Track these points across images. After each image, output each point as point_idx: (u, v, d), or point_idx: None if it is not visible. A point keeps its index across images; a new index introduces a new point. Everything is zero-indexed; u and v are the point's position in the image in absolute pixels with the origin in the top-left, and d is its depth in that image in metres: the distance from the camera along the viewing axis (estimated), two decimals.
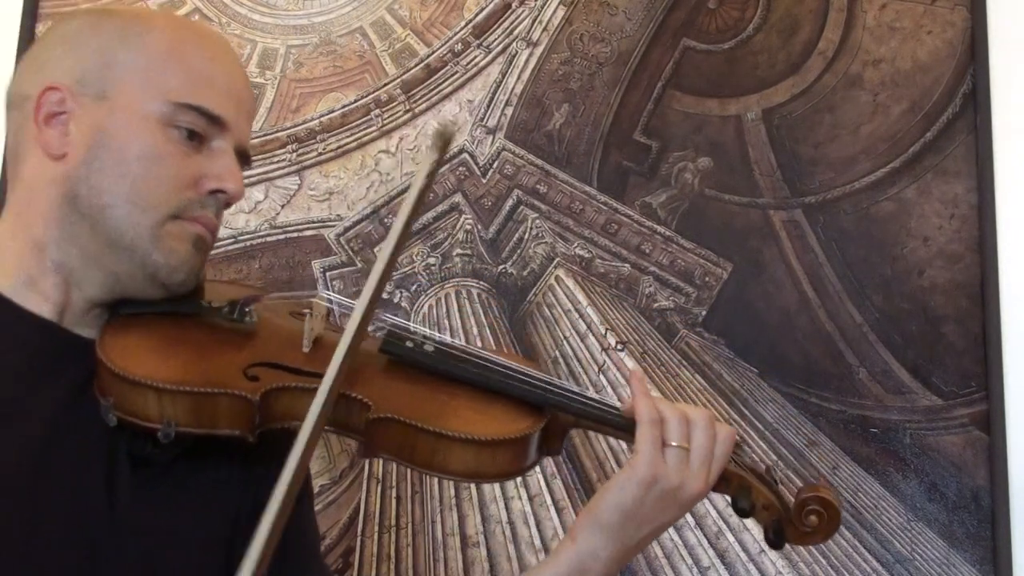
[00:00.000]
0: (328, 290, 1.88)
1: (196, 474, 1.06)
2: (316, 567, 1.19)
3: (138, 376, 0.97)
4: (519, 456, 1.06)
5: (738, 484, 1.09)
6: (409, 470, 1.75)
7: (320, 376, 0.91)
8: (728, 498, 1.10)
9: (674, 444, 1.05)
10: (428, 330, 1.13)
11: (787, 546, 1.14)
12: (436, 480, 1.75)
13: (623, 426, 1.08)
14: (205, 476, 1.07)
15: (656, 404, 1.07)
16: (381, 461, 1.78)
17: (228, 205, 1.09)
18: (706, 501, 1.66)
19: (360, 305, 0.95)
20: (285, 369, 1.03)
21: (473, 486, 1.74)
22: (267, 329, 1.09)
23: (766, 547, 1.63)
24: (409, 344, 1.09)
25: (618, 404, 1.10)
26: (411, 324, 1.12)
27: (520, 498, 1.71)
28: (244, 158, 1.11)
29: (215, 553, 1.07)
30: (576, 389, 1.12)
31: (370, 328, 1.04)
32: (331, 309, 1.13)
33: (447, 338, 1.12)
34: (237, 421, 0.99)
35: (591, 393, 1.13)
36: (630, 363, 1.74)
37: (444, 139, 0.95)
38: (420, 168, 0.96)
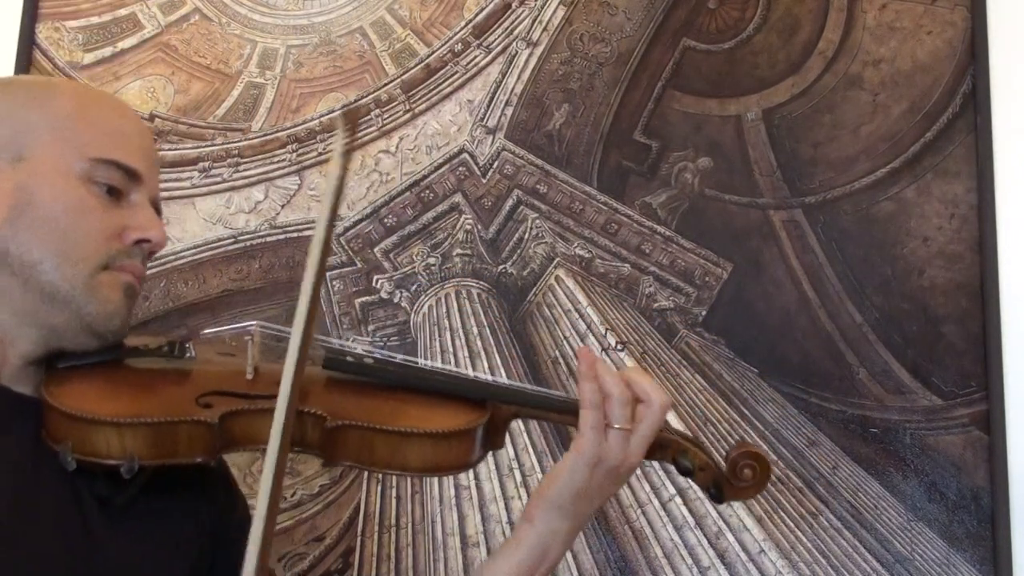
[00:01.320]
0: (327, 289, 1.88)
1: (159, 509, 1.09)
2: None
3: (96, 415, 0.99)
4: (470, 447, 1.11)
5: (675, 448, 1.16)
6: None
7: (270, 397, 0.94)
8: (669, 464, 1.16)
9: (617, 427, 1.10)
10: (364, 346, 1.18)
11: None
12: (436, 480, 1.76)
13: (562, 409, 1.14)
14: (168, 509, 1.10)
15: (601, 385, 1.11)
16: None
17: (152, 255, 1.13)
18: (705, 500, 1.66)
19: (301, 309, 0.97)
20: (235, 395, 1.05)
21: (473, 487, 1.74)
22: (208, 363, 1.12)
23: (764, 546, 1.64)
24: (350, 359, 1.14)
25: (557, 392, 1.17)
26: (346, 343, 1.18)
27: (520, 498, 1.71)
28: (157, 211, 1.15)
29: None
30: (515, 384, 1.18)
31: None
32: (265, 336, 1.16)
33: (384, 352, 1.17)
34: (198, 447, 1.01)
35: (530, 387, 1.17)
36: (630, 363, 1.74)
37: (351, 119, 1.01)
38: (332, 158, 1.00)
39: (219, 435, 1.01)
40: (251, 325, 1.16)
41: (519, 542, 1.13)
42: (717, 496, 1.16)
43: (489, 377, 1.19)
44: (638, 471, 1.69)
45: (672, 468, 1.17)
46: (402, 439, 1.06)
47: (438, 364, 1.19)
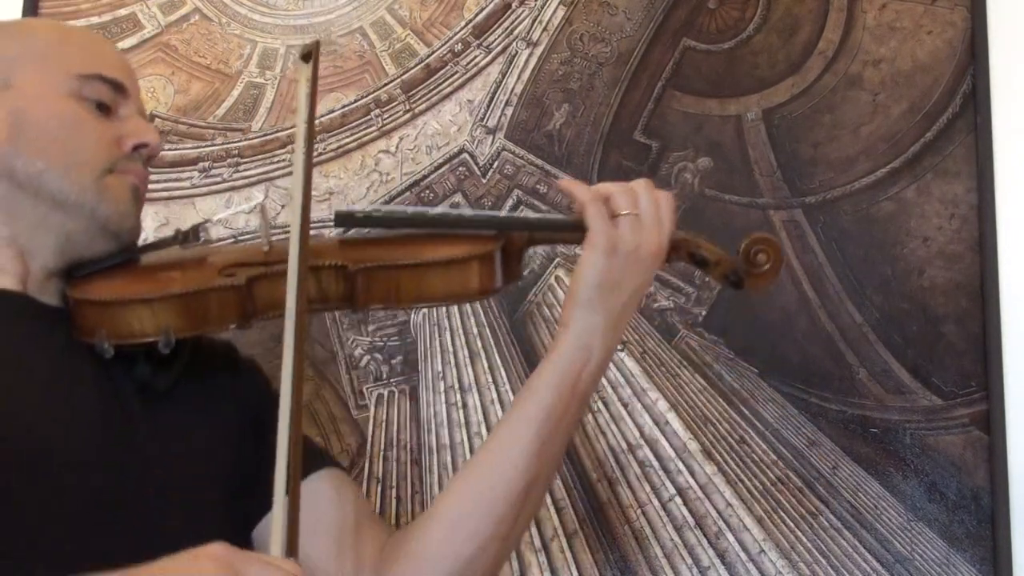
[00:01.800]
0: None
1: (198, 393, 1.12)
2: (327, 459, 1.26)
3: (127, 295, 1.02)
4: (491, 272, 1.14)
5: (689, 245, 1.19)
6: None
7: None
8: (684, 263, 1.21)
9: (624, 212, 1.13)
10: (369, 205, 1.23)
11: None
12: (436, 480, 1.76)
13: (574, 226, 1.16)
14: (207, 393, 1.14)
15: (597, 186, 1.17)
16: (381, 461, 1.78)
17: (150, 160, 1.16)
18: (705, 501, 1.66)
19: (297, 169, 1.06)
20: (256, 264, 1.09)
21: None
22: (222, 245, 1.18)
23: (764, 546, 1.64)
24: (359, 215, 1.18)
25: (564, 215, 1.20)
26: (352, 205, 1.22)
27: None
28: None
29: (226, 464, 1.14)
30: (524, 214, 1.21)
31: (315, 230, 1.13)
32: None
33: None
34: (230, 313, 1.05)
35: (537, 214, 1.21)
36: (630, 363, 1.74)
37: (307, 49, 1.09)
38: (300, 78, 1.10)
39: (248, 298, 1.05)
40: (258, 201, 1.21)
41: (558, 349, 1.15)
42: (737, 283, 1.19)
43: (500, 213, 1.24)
44: (638, 470, 1.70)
45: (693, 270, 1.25)
46: (425, 270, 1.09)
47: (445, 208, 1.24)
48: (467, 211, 1.23)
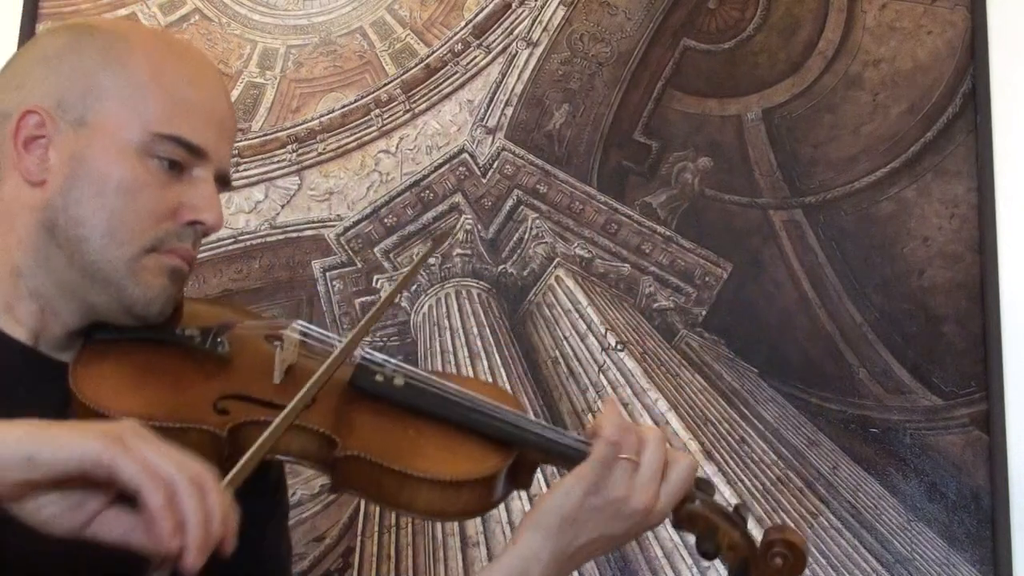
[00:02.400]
0: (327, 289, 1.88)
1: None
2: None
3: (110, 411, 0.98)
4: (485, 494, 1.06)
5: (705, 525, 1.09)
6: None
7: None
8: (694, 539, 1.10)
9: (623, 456, 1.05)
10: (398, 362, 1.13)
11: None
12: None
13: (581, 457, 1.07)
14: None
15: (619, 424, 1.06)
16: None
17: (206, 235, 1.10)
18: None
19: (340, 349, 0.98)
20: (255, 402, 1.03)
21: None
22: (240, 357, 1.09)
23: None
24: (379, 378, 1.09)
25: (586, 440, 1.09)
26: (381, 356, 1.13)
27: (520, 498, 1.71)
28: (224, 182, 1.11)
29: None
30: (547, 426, 1.12)
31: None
32: (305, 338, 1.12)
33: (417, 370, 1.13)
34: (205, 454, 0.99)
35: (564, 432, 1.12)
36: (630, 363, 1.74)
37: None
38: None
39: (227, 445, 1.00)
40: (287, 328, 1.12)
41: (500, 561, 1.08)
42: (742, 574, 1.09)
43: (523, 416, 1.12)
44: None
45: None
46: (412, 482, 1.02)
47: (474, 391, 1.12)
48: (493, 410, 1.09)
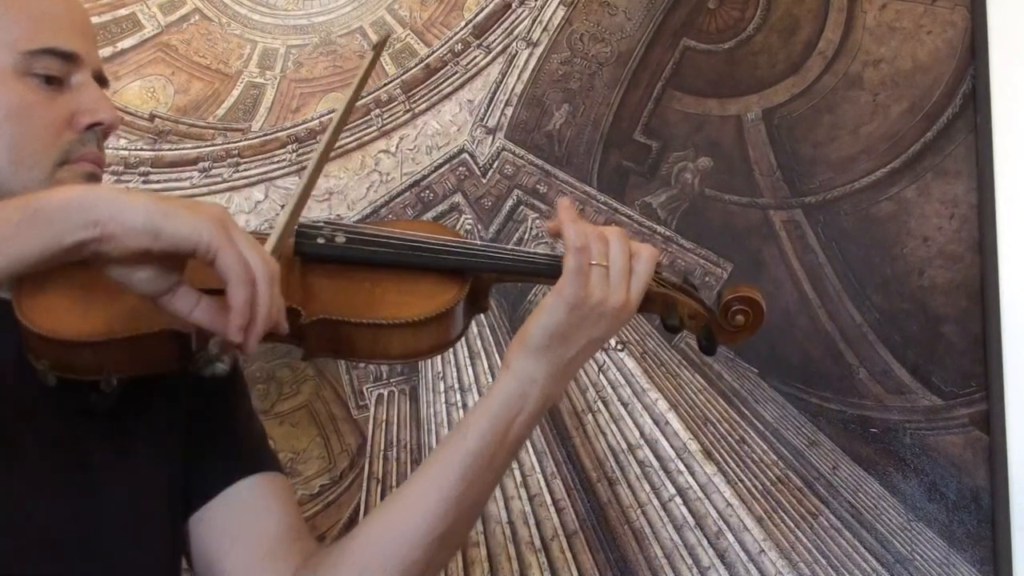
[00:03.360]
0: None
1: (141, 411, 1.08)
2: (267, 462, 1.20)
3: (70, 336, 0.98)
4: (451, 325, 1.09)
5: (662, 302, 1.12)
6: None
7: None
8: (657, 318, 1.13)
9: (594, 263, 1.07)
10: (336, 220, 1.14)
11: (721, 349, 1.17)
12: None
13: (544, 271, 1.11)
14: (150, 411, 1.09)
15: (581, 230, 1.08)
16: (381, 461, 1.78)
17: (107, 135, 1.10)
18: (705, 501, 1.66)
19: (298, 188, 1.01)
20: (212, 292, 1.01)
21: None
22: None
23: (764, 546, 1.64)
24: (320, 240, 1.11)
25: (536, 251, 1.14)
26: (317, 218, 1.15)
27: (520, 498, 1.71)
28: (102, 82, 1.11)
29: (170, 476, 1.11)
30: (494, 245, 1.14)
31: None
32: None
33: (355, 224, 1.14)
34: (174, 355, 1.01)
35: (509, 247, 1.15)
36: (630, 363, 1.74)
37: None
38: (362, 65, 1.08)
39: (195, 337, 1.00)
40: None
41: (495, 391, 1.09)
42: (708, 347, 1.13)
43: (470, 242, 1.15)
44: (638, 470, 1.70)
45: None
46: (382, 330, 1.05)
47: (415, 232, 1.14)
48: (435, 242, 1.12)
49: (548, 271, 1.10)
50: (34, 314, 0.99)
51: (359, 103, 1.95)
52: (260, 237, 1.03)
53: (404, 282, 1.09)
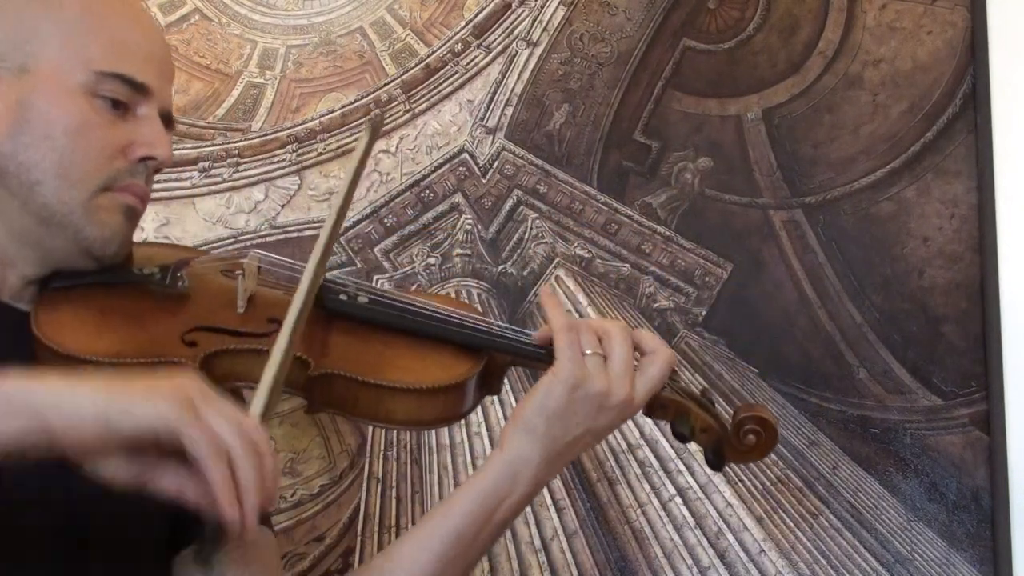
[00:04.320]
0: None
1: None
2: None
3: (77, 352, 0.98)
4: (460, 399, 1.08)
5: (675, 409, 1.11)
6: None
7: (257, 335, 0.95)
8: (668, 424, 1.13)
9: (589, 352, 1.06)
10: (362, 281, 1.14)
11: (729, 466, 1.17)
12: (436, 480, 1.75)
13: (546, 356, 1.10)
14: None
15: (566, 321, 1.09)
16: (381, 461, 1.78)
17: (158, 171, 1.10)
18: (705, 500, 1.66)
19: (309, 270, 0.99)
20: (222, 331, 1.04)
21: None
22: (200, 292, 1.09)
23: (764, 546, 1.64)
24: (343, 297, 1.10)
25: (535, 344, 1.12)
26: (342, 277, 1.13)
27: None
28: (168, 122, 1.11)
29: (163, 516, 1.09)
30: (512, 328, 1.14)
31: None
32: (263, 268, 1.13)
33: (379, 287, 1.14)
34: None
35: (528, 332, 1.14)
36: None
37: (374, 126, 1.05)
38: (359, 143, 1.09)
39: (201, 376, 0.98)
40: (246, 256, 1.13)
41: (486, 470, 1.09)
42: (716, 462, 1.12)
43: (488, 321, 1.15)
44: (638, 470, 1.69)
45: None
46: (388, 393, 1.04)
47: (437, 304, 1.13)
48: (457, 318, 1.11)
49: (547, 357, 1.09)
50: (48, 327, 1.00)
51: (359, 102, 1.95)
52: (283, 287, 1.01)
53: (418, 350, 1.09)
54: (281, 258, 1.14)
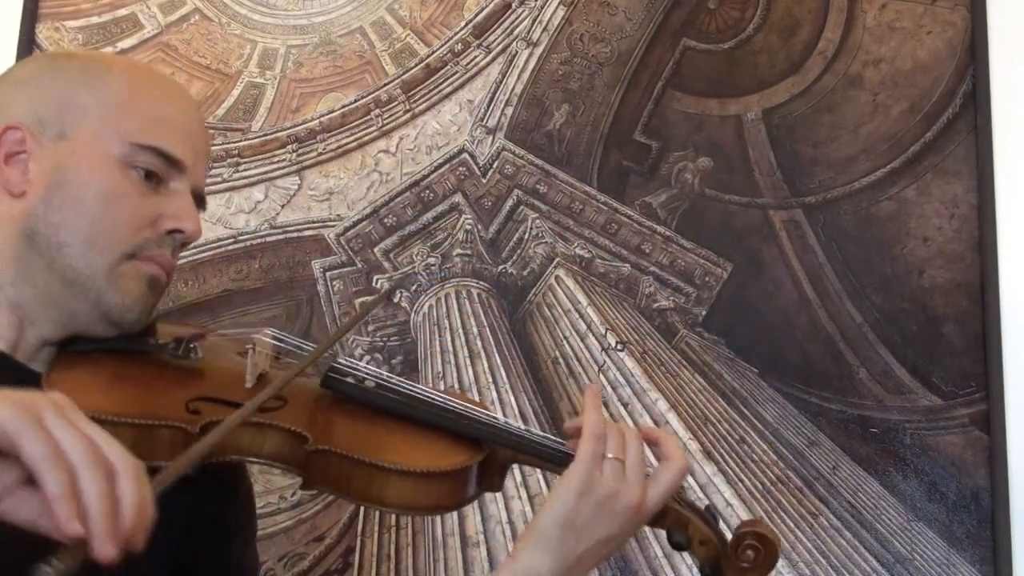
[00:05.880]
0: (327, 289, 1.88)
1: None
2: None
3: (85, 407, 0.99)
4: (456, 489, 1.07)
5: (675, 519, 1.10)
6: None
7: (261, 411, 0.94)
8: (665, 532, 1.11)
9: (610, 456, 1.06)
10: (372, 368, 1.15)
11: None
12: None
13: (561, 460, 1.09)
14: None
15: (602, 421, 1.07)
16: None
17: (184, 245, 1.12)
18: (706, 500, 1.66)
19: (307, 359, 1.00)
20: (226, 403, 1.04)
21: None
22: (212, 366, 1.11)
23: None
24: (350, 380, 1.11)
25: (558, 440, 1.11)
26: (354, 361, 1.14)
27: (520, 498, 1.71)
28: (200, 200, 1.13)
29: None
30: (518, 426, 1.14)
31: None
32: (277, 347, 1.14)
33: (389, 376, 1.14)
34: (176, 453, 1.00)
35: (534, 430, 1.14)
36: (630, 363, 1.74)
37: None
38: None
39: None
40: (259, 333, 1.14)
41: None
42: (714, 573, 1.10)
43: (494, 416, 1.14)
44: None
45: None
46: (382, 474, 1.03)
47: (445, 396, 1.14)
48: (462, 411, 1.11)
49: (567, 461, 1.07)
50: (57, 383, 1.01)
51: (359, 102, 1.95)
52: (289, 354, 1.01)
53: (419, 436, 1.09)
54: (295, 339, 1.15)
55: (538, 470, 1.72)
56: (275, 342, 1.14)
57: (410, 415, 1.10)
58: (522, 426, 1.15)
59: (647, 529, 1.67)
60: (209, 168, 1.16)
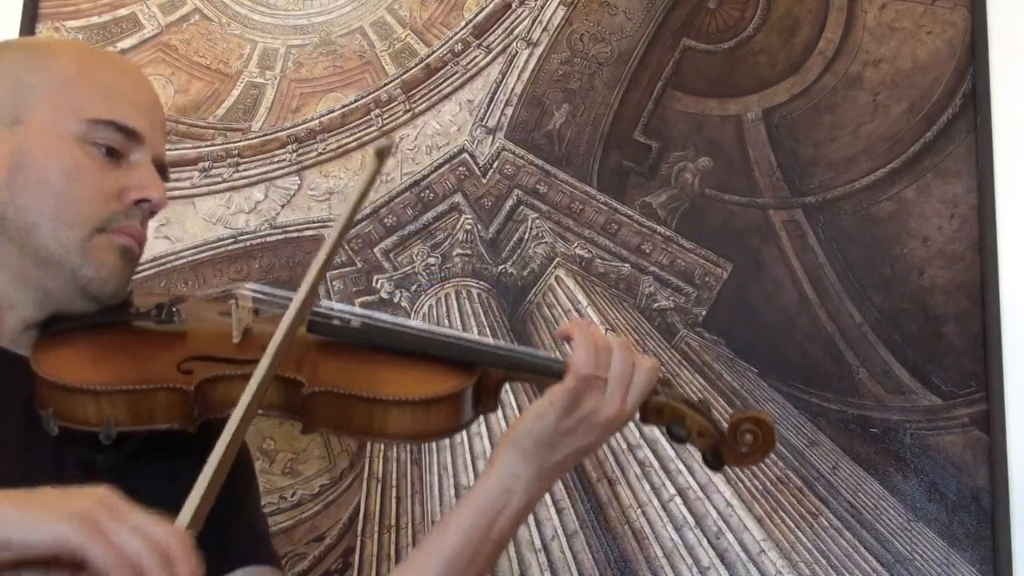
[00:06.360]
0: (327, 289, 1.88)
1: (144, 475, 1.05)
2: (264, 556, 1.20)
3: (73, 382, 1.00)
4: (454, 413, 1.09)
5: (671, 414, 1.13)
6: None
7: (253, 362, 0.96)
8: (663, 429, 1.14)
9: (594, 375, 1.08)
10: (352, 307, 1.16)
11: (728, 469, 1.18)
12: (436, 480, 1.75)
13: (553, 372, 1.11)
14: (152, 476, 1.06)
15: (593, 347, 1.09)
16: (381, 461, 1.78)
17: (152, 214, 1.13)
18: (706, 501, 1.66)
19: (300, 293, 1.00)
20: (217, 360, 1.05)
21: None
22: (196, 327, 1.12)
23: (764, 546, 1.64)
24: (336, 322, 1.12)
25: (546, 353, 1.15)
26: (335, 305, 1.15)
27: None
28: (162, 171, 1.14)
29: None
30: (506, 345, 1.16)
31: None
32: (257, 300, 1.15)
33: (371, 312, 1.16)
34: (175, 414, 1.02)
35: (520, 347, 1.16)
36: None
37: (381, 155, 1.04)
38: (364, 172, 1.04)
39: (196, 402, 1.02)
40: (240, 289, 1.16)
41: (479, 487, 1.10)
42: (715, 463, 1.13)
43: (481, 339, 1.16)
44: (638, 470, 1.69)
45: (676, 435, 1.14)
46: (381, 407, 1.05)
47: (431, 326, 1.15)
48: (449, 337, 1.14)
49: (559, 373, 1.10)
50: (45, 363, 1.02)
51: (359, 102, 1.95)
52: (278, 319, 1.02)
53: (411, 367, 1.11)
54: (274, 290, 1.16)
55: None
56: (254, 294, 1.15)
57: (399, 348, 1.12)
58: (509, 344, 1.17)
59: (647, 530, 1.68)
60: (166, 143, 1.18)
